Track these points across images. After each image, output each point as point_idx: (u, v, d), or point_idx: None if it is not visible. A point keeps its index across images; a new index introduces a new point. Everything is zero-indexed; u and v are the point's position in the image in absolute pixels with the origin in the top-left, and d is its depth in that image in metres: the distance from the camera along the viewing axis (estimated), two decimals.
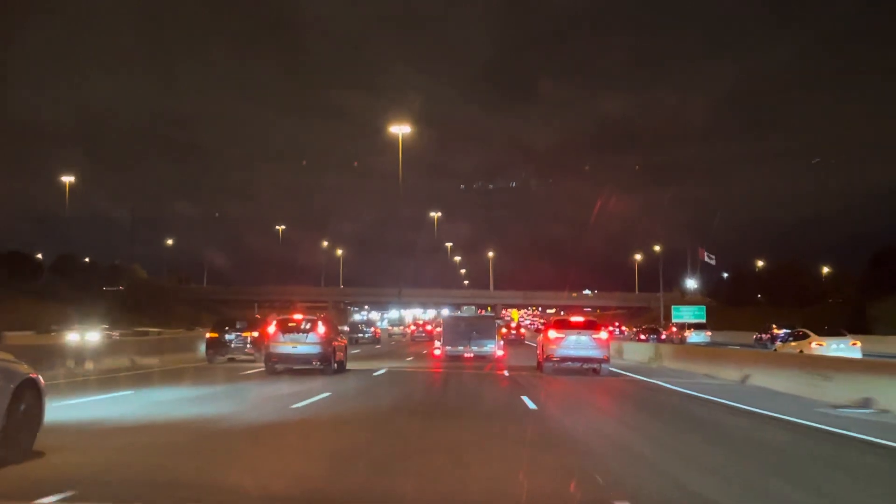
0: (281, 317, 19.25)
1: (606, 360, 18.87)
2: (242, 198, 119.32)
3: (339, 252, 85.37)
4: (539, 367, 20.07)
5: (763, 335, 36.66)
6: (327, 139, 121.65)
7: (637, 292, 78.79)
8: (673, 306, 48.90)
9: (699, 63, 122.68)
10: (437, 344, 25.44)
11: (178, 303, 69.06)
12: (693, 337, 44.32)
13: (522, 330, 58.41)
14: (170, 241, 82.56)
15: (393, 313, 78.58)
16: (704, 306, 48.49)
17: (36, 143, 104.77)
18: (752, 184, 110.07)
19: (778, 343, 30.68)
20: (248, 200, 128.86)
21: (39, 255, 69.35)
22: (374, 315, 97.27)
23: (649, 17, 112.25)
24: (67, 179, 64.29)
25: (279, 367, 18.06)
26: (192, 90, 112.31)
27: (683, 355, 22.71)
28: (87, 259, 74.25)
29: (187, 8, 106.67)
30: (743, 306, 63.68)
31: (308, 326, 18.04)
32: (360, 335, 45.02)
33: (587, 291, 80.00)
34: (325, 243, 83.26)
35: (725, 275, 78.78)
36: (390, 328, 63.68)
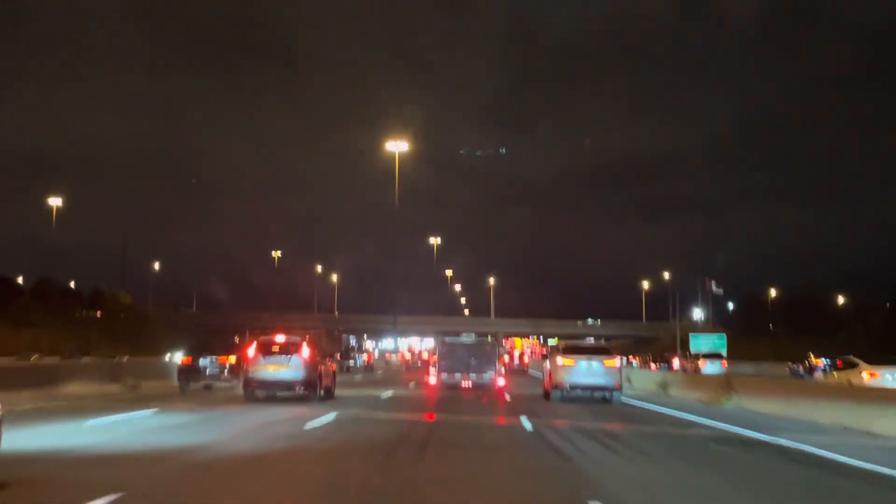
0: (262, 338, 17.14)
1: (618, 389, 18.36)
2: (239, 226, 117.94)
3: (335, 278, 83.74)
4: (546, 395, 19.31)
5: (799, 365, 33.75)
6: (326, 170, 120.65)
7: (645, 322, 76.70)
8: (691, 334, 47.08)
9: (701, 98, 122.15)
10: (432, 371, 23.89)
11: (164, 329, 66.32)
12: (708, 367, 41.92)
13: (525, 359, 56.20)
14: (157, 267, 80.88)
15: (389, 342, 76.36)
16: (724, 335, 46.24)
17: (39, 171, 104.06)
18: (755, 216, 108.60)
19: (818, 374, 28.04)
20: (246, 229, 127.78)
21: (20, 279, 66.87)
22: (368, 343, 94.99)
23: (647, 55, 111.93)
24: (55, 203, 64.43)
25: (259, 393, 16.33)
26: (192, 122, 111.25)
27: (771, 392, 16.56)
28: (72, 284, 71.86)
29: (193, 39, 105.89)
30: (756, 336, 62.53)
31: (292, 349, 16.06)
32: (351, 362, 43.58)
33: (591, 321, 77.48)
34: (320, 269, 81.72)
35: (731, 305, 77.13)
36: (388, 356, 62.09)
